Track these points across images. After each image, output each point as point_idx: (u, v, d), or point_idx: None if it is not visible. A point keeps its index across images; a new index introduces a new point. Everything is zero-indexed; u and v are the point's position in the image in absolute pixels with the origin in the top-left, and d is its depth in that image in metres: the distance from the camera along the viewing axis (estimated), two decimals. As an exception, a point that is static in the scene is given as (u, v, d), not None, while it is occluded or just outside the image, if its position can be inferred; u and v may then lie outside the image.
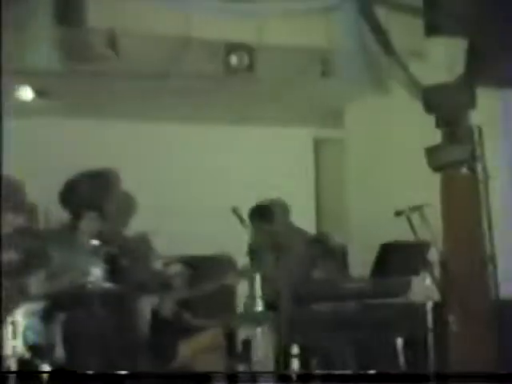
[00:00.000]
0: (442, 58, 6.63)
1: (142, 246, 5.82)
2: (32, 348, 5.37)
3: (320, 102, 7.59)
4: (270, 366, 5.48)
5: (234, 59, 6.57)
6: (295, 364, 5.53)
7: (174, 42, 6.42)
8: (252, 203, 6.49)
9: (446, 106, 6.46)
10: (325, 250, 6.70)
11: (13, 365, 4.75)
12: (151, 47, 6.46)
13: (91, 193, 5.52)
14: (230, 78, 6.77)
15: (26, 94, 7.30)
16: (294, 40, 6.70)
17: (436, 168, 6.40)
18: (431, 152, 6.43)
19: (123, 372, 4.33)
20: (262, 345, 5.54)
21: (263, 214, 6.44)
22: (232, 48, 6.60)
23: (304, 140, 8.57)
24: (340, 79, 6.74)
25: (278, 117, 8.10)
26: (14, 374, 4.17)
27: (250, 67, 6.57)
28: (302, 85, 7.21)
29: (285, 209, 6.62)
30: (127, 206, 5.88)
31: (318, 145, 8.76)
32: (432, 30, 6.64)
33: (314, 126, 8.36)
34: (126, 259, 5.52)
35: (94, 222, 5.38)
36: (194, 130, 8.15)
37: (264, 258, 6.10)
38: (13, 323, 4.90)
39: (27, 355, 5.29)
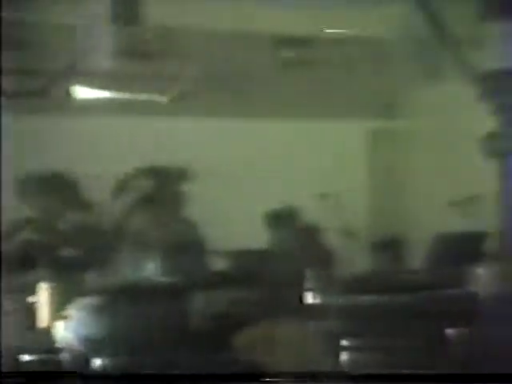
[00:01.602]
0: (499, 44, 6.48)
1: (194, 241, 5.91)
2: (84, 341, 5.51)
3: (374, 93, 7.51)
4: (322, 360, 5.49)
5: (287, 53, 6.58)
6: (346, 356, 5.52)
7: (229, 37, 6.47)
8: (306, 198, 6.52)
9: (502, 93, 6.31)
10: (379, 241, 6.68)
11: (67, 357, 4.88)
12: (206, 43, 6.52)
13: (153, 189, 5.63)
14: (283, 73, 6.79)
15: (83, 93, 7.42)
16: (349, 31, 6.67)
17: (493, 155, 6.26)
18: (488, 139, 6.30)
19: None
20: (313, 338, 5.54)
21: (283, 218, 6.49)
22: (285, 42, 6.62)
23: (357, 132, 8.49)
24: (395, 69, 6.68)
25: (331, 109, 8.05)
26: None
27: (304, 61, 6.57)
28: (355, 76, 7.16)
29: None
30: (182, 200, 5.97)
31: (372, 136, 8.67)
32: (487, 15, 6.50)
33: (368, 118, 8.28)
34: (178, 253, 5.60)
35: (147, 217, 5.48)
36: (246, 125, 8.16)
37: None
38: (66, 317, 5.03)
39: (80, 348, 5.45)
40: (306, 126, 8.18)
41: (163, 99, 6.95)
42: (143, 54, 6.31)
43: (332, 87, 7.40)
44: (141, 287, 5.15)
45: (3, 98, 6.34)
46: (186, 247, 5.69)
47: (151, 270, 5.33)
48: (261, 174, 8.03)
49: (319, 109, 7.92)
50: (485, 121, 6.23)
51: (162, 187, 5.92)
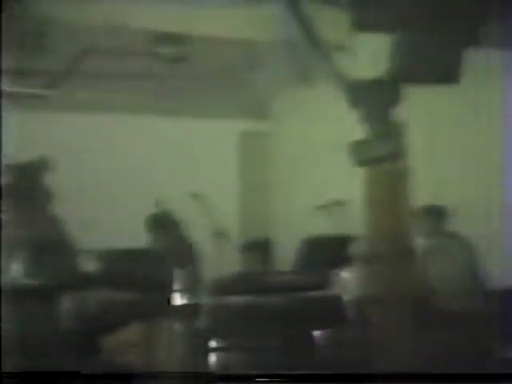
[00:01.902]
0: (369, 53, 6.67)
1: (62, 239, 5.76)
2: None
3: (246, 95, 7.59)
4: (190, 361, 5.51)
5: (163, 50, 6.53)
6: (214, 358, 5.55)
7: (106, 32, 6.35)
8: (177, 196, 6.50)
9: (371, 101, 6.48)
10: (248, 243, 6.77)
11: None
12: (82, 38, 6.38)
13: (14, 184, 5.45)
14: (159, 69, 6.74)
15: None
16: (222, 32, 6.68)
17: (359, 163, 6.43)
18: (355, 147, 6.45)
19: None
20: (183, 338, 5.56)
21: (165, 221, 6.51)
22: (162, 38, 6.57)
23: (229, 133, 8.56)
24: (267, 72, 6.75)
25: (203, 108, 8.08)
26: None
27: (180, 58, 6.55)
28: (229, 77, 7.21)
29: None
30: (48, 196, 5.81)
31: (244, 137, 8.76)
32: (359, 24, 6.67)
33: (240, 119, 8.36)
34: (46, 253, 5.45)
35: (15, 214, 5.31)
36: (121, 120, 8.05)
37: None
38: None
39: None
40: (180, 124, 8.17)
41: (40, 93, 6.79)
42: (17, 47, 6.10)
43: (206, 87, 7.43)
44: (6, 289, 4.99)
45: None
46: (53, 247, 5.55)
47: (17, 271, 5.17)
48: (133, 171, 7.95)
49: (193, 108, 7.93)
50: (354, 128, 6.39)
51: (24, 183, 5.72)
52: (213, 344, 5.66)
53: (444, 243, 6.49)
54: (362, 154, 6.46)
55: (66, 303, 6.29)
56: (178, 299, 5.74)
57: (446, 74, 6.15)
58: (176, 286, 5.74)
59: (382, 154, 6.46)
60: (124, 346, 6.05)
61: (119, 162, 7.85)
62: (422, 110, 7.04)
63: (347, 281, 5.81)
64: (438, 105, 6.92)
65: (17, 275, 5.14)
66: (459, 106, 7.10)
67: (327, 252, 5.88)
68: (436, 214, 6.58)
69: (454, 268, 6.37)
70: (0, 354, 4.60)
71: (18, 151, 5.73)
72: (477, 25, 6.01)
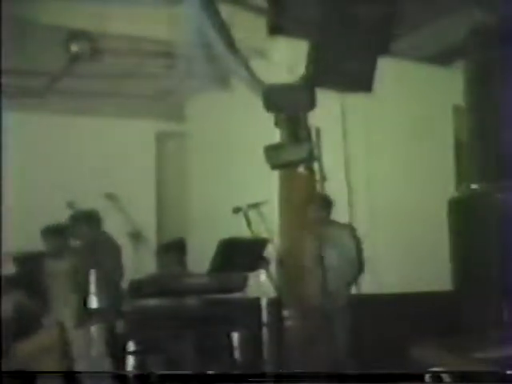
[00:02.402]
0: (285, 58, 6.78)
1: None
2: None
3: (162, 95, 7.57)
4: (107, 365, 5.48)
5: (75, 47, 6.45)
6: (131, 362, 5.53)
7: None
8: (93, 197, 6.44)
9: (286, 106, 6.56)
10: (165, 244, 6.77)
11: None
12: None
13: None
14: (71, 67, 6.65)
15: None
16: (137, 31, 6.65)
17: (274, 166, 6.50)
18: (270, 150, 6.52)
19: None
20: (98, 342, 5.52)
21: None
22: (74, 36, 6.48)
23: (146, 133, 8.50)
24: (182, 73, 6.76)
25: (119, 108, 8.01)
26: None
27: (92, 56, 6.49)
28: (145, 77, 7.18)
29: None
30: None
31: (160, 138, 8.73)
32: (275, 30, 6.77)
33: (157, 120, 8.33)
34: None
35: None
36: (35, 119, 7.87)
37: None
38: None
39: None
40: (95, 124, 8.05)
41: None
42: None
43: (121, 87, 7.37)
44: None
45: None
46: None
47: None
48: (47, 171, 7.79)
49: (108, 108, 7.85)
50: (270, 131, 6.48)
51: None
52: (130, 346, 5.65)
53: (335, 233, 6.58)
54: (276, 157, 6.55)
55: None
56: (94, 302, 5.69)
57: (359, 81, 6.31)
58: (92, 289, 5.69)
59: (296, 157, 6.58)
60: (39, 349, 5.97)
61: (33, 162, 7.69)
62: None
63: (263, 282, 5.90)
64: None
65: None
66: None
67: (244, 254, 5.93)
68: (325, 205, 6.65)
69: (344, 258, 6.50)
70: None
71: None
72: (390, 34, 6.20)
